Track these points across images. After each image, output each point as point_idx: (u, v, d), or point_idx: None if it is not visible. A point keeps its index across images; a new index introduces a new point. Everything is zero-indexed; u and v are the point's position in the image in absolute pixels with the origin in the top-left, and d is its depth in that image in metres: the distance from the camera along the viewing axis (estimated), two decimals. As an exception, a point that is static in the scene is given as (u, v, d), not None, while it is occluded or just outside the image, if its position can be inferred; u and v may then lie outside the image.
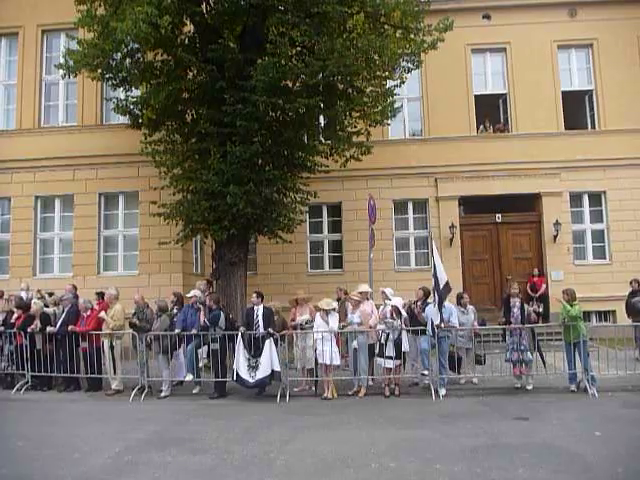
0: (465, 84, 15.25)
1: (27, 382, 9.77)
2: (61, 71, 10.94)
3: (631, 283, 11.08)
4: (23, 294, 10.78)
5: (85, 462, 5.71)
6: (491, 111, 15.70)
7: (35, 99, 14.44)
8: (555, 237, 14.59)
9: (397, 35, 11.04)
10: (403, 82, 11.80)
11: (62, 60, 10.95)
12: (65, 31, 13.47)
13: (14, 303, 10.45)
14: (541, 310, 13.43)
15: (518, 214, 15.16)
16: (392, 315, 8.75)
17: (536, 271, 14.40)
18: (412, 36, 11.20)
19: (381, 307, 9.12)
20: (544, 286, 14.23)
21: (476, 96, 15.37)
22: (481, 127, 15.60)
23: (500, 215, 15.09)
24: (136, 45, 10.41)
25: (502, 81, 15.57)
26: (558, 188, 14.78)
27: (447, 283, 8.92)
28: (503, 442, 6.13)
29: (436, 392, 8.48)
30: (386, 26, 10.99)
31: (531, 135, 14.90)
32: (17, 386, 9.74)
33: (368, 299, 9.37)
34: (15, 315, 10.13)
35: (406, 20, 10.92)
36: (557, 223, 14.43)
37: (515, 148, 14.89)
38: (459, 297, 9.73)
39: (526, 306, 9.33)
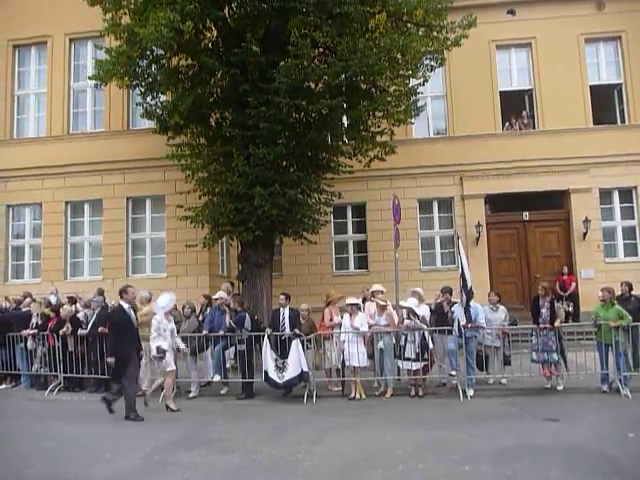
0: (490, 81, 15.06)
1: (60, 383, 9.99)
2: (91, 81, 11.16)
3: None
4: (52, 298, 11.02)
5: (116, 462, 5.81)
6: (517, 107, 15.46)
7: (64, 106, 14.79)
8: (585, 234, 14.29)
9: (420, 33, 10.96)
10: (426, 80, 11.71)
11: (93, 71, 11.18)
12: (92, 39, 13.81)
13: (43, 307, 10.71)
14: (571, 309, 13.20)
15: (546, 212, 14.90)
16: (409, 317, 8.69)
17: (565, 269, 14.13)
18: (435, 34, 11.11)
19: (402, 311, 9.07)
20: (574, 285, 13.97)
21: (501, 92, 15.17)
22: (507, 124, 15.38)
23: (527, 213, 14.85)
24: (161, 51, 10.55)
25: (528, 77, 15.34)
26: (587, 184, 14.48)
27: (471, 288, 8.82)
28: (533, 443, 6.02)
29: (464, 393, 8.40)
30: (409, 24, 10.92)
31: (559, 131, 14.63)
32: (50, 387, 9.97)
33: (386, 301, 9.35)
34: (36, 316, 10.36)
35: (429, 18, 10.84)
36: (587, 220, 14.14)
37: (542, 145, 14.63)
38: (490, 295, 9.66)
39: (557, 304, 9.17)
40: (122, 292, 8.02)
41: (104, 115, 14.66)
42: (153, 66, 10.98)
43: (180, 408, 8.20)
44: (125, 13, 10.69)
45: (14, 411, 8.92)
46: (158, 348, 8.07)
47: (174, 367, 8.32)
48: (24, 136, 15.20)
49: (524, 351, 9.22)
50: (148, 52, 10.52)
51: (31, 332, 10.30)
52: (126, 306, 7.96)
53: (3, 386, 10.72)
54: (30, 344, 10.34)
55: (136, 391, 7.98)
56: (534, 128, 15.18)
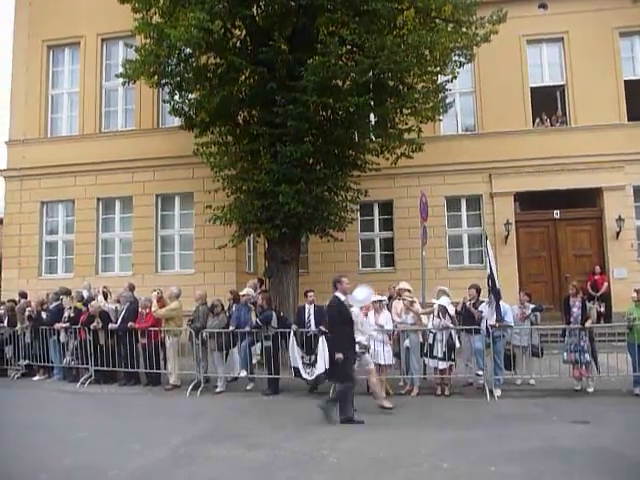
0: (520, 76, 14.81)
1: (91, 376, 10.24)
2: (121, 79, 11.37)
3: None
4: (85, 292, 11.29)
5: (145, 454, 5.94)
6: (548, 103, 15.17)
7: (96, 105, 15.09)
8: (618, 233, 13.96)
9: (448, 29, 10.79)
10: (455, 77, 11.55)
11: (121, 69, 11.38)
12: (123, 39, 14.05)
13: (76, 301, 10.99)
14: (603, 310, 12.90)
15: (578, 210, 14.59)
16: (439, 315, 8.63)
17: (597, 269, 13.82)
18: (464, 29, 10.95)
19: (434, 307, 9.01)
20: (606, 284, 13.65)
21: (532, 88, 14.91)
22: (537, 120, 15.11)
23: (558, 211, 14.58)
24: (189, 50, 10.68)
25: (560, 72, 15.03)
26: (621, 182, 14.12)
27: (499, 288, 8.71)
28: (560, 446, 5.93)
29: (491, 393, 8.30)
30: (437, 20, 10.78)
31: (591, 127, 14.30)
32: (81, 380, 10.23)
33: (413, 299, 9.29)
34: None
35: (458, 13, 10.70)
36: (620, 219, 13.79)
37: (574, 141, 14.33)
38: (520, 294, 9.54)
39: (589, 304, 8.99)
40: (336, 282, 7.46)
41: (134, 113, 14.91)
42: (182, 65, 11.11)
43: (394, 405, 7.67)
44: (155, 13, 10.84)
45: (47, 402, 9.19)
46: (359, 344, 7.50)
47: (373, 365, 7.86)
48: (58, 134, 15.56)
49: (554, 351, 9.06)
50: (177, 51, 10.65)
51: (63, 325, 10.58)
52: (342, 297, 7.35)
53: (37, 378, 11.04)
54: (62, 337, 10.63)
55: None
56: (566, 124, 14.87)
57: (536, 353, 8.95)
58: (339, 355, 6.96)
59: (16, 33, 15.78)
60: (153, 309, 9.87)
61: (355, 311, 7.53)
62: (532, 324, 9.17)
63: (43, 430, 7.15)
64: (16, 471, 5.46)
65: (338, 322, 7.24)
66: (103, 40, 15.19)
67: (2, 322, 11.45)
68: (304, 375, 8.69)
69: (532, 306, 9.34)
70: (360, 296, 7.59)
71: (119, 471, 5.35)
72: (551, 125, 15.12)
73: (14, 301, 11.97)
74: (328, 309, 7.58)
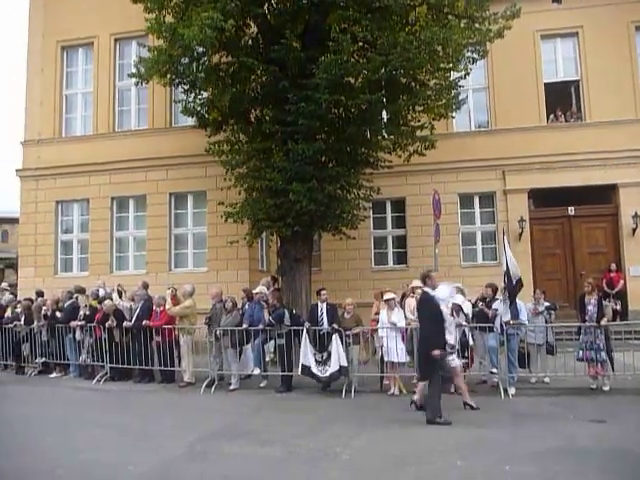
0: (534, 72, 14.67)
1: (106, 373, 10.35)
2: (134, 79, 11.45)
3: None
4: (101, 291, 11.41)
5: (160, 450, 5.99)
6: (563, 99, 15.02)
7: (109, 105, 15.22)
8: (634, 230, 13.80)
9: (461, 25, 10.74)
10: (468, 73, 11.50)
11: (134, 69, 11.46)
12: (136, 39, 14.15)
13: (91, 299, 11.12)
14: (619, 307, 12.75)
15: (593, 206, 14.43)
16: (452, 313, 8.59)
17: (613, 266, 13.66)
18: (477, 25, 10.87)
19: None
20: (622, 282, 13.49)
21: (546, 84, 14.76)
22: (552, 116, 14.97)
23: (573, 208, 14.42)
24: (202, 49, 10.72)
25: (574, 67, 14.86)
26: (636, 178, 13.93)
27: (519, 280, 8.64)
28: (575, 445, 5.88)
29: (505, 391, 8.25)
30: (450, 16, 10.72)
31: (607, 123, 14.12)
32: (97, 377, 10.35)
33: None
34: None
35: (470, 9, 10.63)
36: (636, 215, 13.64)
37: (589, 137, 14.16)
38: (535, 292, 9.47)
39: (605, 302, 8.90)
40: (425, 277, 7.28)
41: (148, 113, 15.01)
42: (194, 64, 11.16)
43: (479, 406, 7.49)
44: (168, 12, 10.90)
45: (64, 399, 9.31)
46: (447, 344, 7.22)
47: (458, 363, 7.59)
48: (72, 134, 15.72)
49: (568, 349, 8.98)
50: (190, 51, 10.69)
51: (79, 323, 10.70)
52: (432, 293, 7.17)
53: (53, 375, 11.18)
54: (78, 335, 10.75)
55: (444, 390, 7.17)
56: (581, 120, 14.71)
57: (550, 351, 8.87)
58: (436, 352, 6.75)
59: (31, 34, 15.97)
60: (167, 307, 9.95)
61: (445, 310, 7.28)
62: (546, 322, 9.09)
63: (60, 426, 7.24)
64: (34, 467, 5.53)
65: (428, 318, 7.05)
66: (116, 40, 15.31)
67: (19, 320, 11.61)
68: (316, 372, 8.69)
69: (546, 304, 9.27)
70: (442, 294, 7.40)
71: (135, 467, 5.40)
72: (565, 121, 14.97)
73: (30, 299, 12.15)
74: (418, 305, 7.41)
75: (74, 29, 15.26)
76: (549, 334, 8.97)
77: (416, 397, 7.44)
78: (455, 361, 7.46)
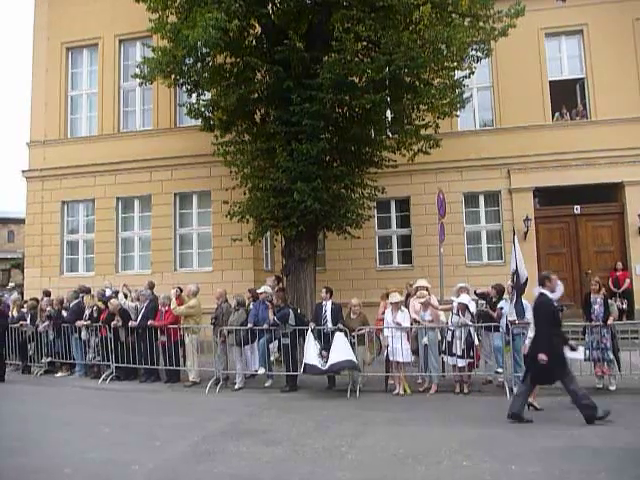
0: (539, 70, 14.61)
1: (112, 372, 10.39)
2: (138, 79, 11.48)
3: None
4: (107, 291, 11.45)
5: (166, 449, 6.01)
6: (568, 97, 14.96)
7: (114, 106, 15.26)
8: (640, 229, 13.73)
9: (465, 24, 10.71)
10: (472, 72, 11.47)
11: (137, 70, 11.49)
12: (140, 39, 14.20)
13: (96, 299, 11.17)
14: (625, 307, 12.71)
15: (598, 205, 14.36)
16: (458, 312, 8.59)
17: (619, 265, 13.58)
18: (481, 24, 10.85)
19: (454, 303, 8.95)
20: (628, 281, 13.42)
21: (551, 82, 14.71)
22: (557, 114, 14.92)
23: (579, 206, 14.36)
24: (206, 50, 10.73)
25: (579, 65, 14.80)
26: (643, 177, 13.86)
27: (527, 279, 8.61)
28: (583, 444, 5.85)
29: (511, 390, 8.22)
30: (454, 15, 10.69)
31: (612, 121, 14.04)
32: (103, 376, 10.39)
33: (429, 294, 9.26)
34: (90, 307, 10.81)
35: (475, 8, 10.60)
36: (642, 214, 13.56)
37: (595, 135, 14.08)
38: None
39: (611, 301, 8.85)
40: (544, 279, 7.08)
41: (152, 113, 15.04)
42: (198, 65, 11.17)
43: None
44: (171, 13, 10.92)
45: (71, 398, 9.35)
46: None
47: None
48: (77, 135, 15.77)
49: (574, 349, 8.94)
50: (194, 51, 10.70)
51: (85, 323, 10.75)
52: (550, 295, 6.98)
53: (59, 374, 11.24)
54: (84, 335, 10.81)
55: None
56: (586, 118, 14.65)
57: None
58: (542, 356, 6.57)
59: (35, 36, 16.03)
60: (172, 307, 9.97)
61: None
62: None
63: (67, 425, 7.27)
64: (41, 465, 5.56)
65: (544, 321, 6.84)
66: (121, 41, 15.35)
67: (25, 320, 11.67)
68: (317, 364, 8.63)
69: None
70: (556, 295, 7.25)
71: (140, 466, 5.42)
72: (571, 119, 14.91)
73: (36, 299, 12.22)
74: (535, 307, 7.13)
75: (79, 30, 15.32)
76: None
77: (531, 399, 7.25)
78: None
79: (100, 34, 15.27)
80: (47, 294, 12.42)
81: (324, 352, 8.70)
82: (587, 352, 8.51)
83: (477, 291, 9.57)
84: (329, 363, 8.54)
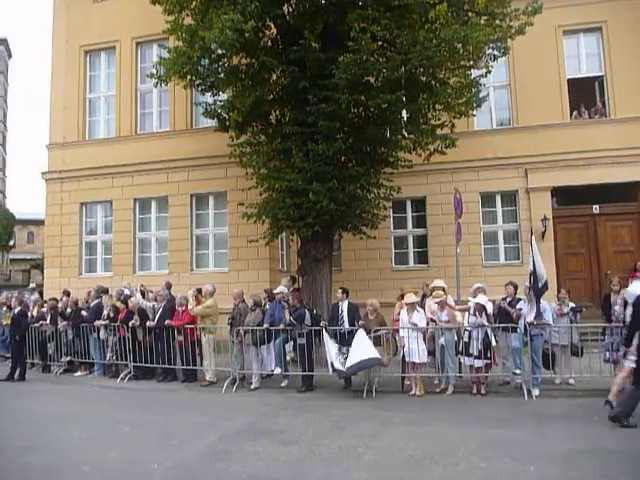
0: (557, 68, 14.43)
1: (130, 372, 10.49)
2: (154, 80, 11.59)
3: None
4: (127, 291, 11.57)
5: (183, 449, 6.05)
6: (586, 95, 14.77)
7: (131, 108, 15.42)
8: (661, 228, 13.50)
9: (482, 22, 10.62)
10: (489, 71, 11.37)
11: (153, 70, 11.60)
12: (157, 42, 14.32)
13: (115, 298, 11.30)
14: (646, 307, 12.48)
15: (618, 204, 14.13)
16: (475, 313, 8.52)
17: (639, 265, 13.37)
18: (498, 22, 10.74)
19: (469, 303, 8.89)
20: (648, 281, 13.19)
21: (569, 80, 14.53)
22: (575, 113, 14.74)
23: (598, 206, 14.16)
24: (222, 51, 10.79)
25: (598, 63, 14.60)
26: (664, 175, 13.63)
27: (546, 282, 8.52)
28: (602, 447, 5.78)
29: (529, 392, 8.15)
30: (470, 14, 10.63)
31: (632, 119, 13.81)
32: (121, 375, 10.50)
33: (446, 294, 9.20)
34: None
35: (491, 6, 10.52)
36: (663, 213, 13.34)
37: (614, 133, 13.88)
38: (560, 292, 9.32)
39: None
40: None
41: (169, 115, 15.18)
42: (214, 66, 11.23)
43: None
44: (187, 15, 11.00)
45: (89, 397, 9.46)
46: None
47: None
48: (95, 137, 15.96)
49: (594, 350, 8.84)
50: (210, 52, 10.77)
51: (103, 323, 10.88)
52: None
53: (78, 373, 11.38)
54: (102, 334, 10.93)
55: None
56: (606, 117, 14.45)
57: (576, 352, 8.71)
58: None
59: (54, 40, 16.28)
60: (190, 307, 10.04)
61: None
62: (571, 322, 8.95)
63: (86, 424, 7.36)
64: (60, 464, 5.64)
65: None
66: (138, 44, 15.51)
67: (45, 320, 11.83)
68: (337, 366, 8.64)
69: (571, 305, 9.10)
70: (635, 290, 7.07)
71: (158, 465, 5.47)
72: (589, 117, 14.72)
73: (55, 299, 12.38)
74: (635, 306, 6.85)
75: (97, 34, 15.54)
76: (574, 335, 8.81)
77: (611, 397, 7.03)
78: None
79: (117, 37, 15.45)
80: (67, 294, 12.60)
81: (344, 349, 8.67)
82: (607, 353, 8.41)
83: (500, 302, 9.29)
84: (356, 361, 8.43)
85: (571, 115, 14.64)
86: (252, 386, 9.46)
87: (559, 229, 14.31)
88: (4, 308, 13.88)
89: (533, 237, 9.31)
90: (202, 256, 14.68)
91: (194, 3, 10.73)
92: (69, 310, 11.64)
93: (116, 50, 15.64)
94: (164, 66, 11.07)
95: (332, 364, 8.73)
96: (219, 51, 10.83)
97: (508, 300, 8.92)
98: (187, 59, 10.79)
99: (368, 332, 8.73)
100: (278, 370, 9.41)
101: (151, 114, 15.56)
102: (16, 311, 11.65)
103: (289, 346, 9.58)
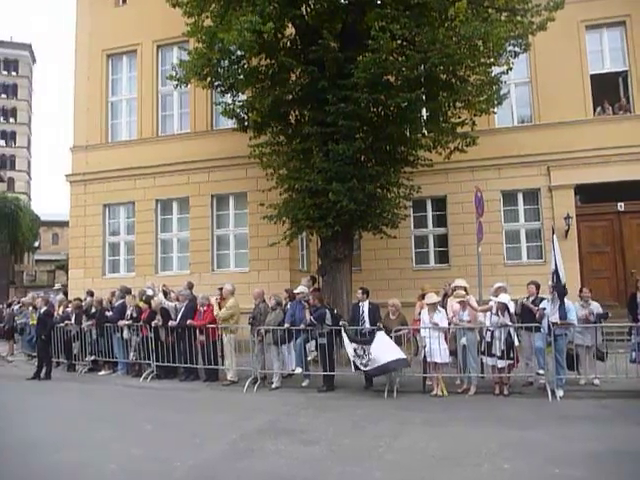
0: (579, 64, 14.21)
1: (152, 371, 10.61)
2: (174, 82, 11.70)
3: None
4: (149, 291, 11.71)
5: (205, 447, 6.11)
6: (610, 91, 14.51)
7: (153, 110, 15.62)
8: (689, 226, 13.19)
9: (502, 18, 10.51)
10: (510, 68, 11.22)
11: (173, 72, 11.72)
12: (177, 44, 14.46)
13: (137, 299, 11.45)
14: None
15: (644, 202, 13.87)
16: (497, 312, 8.43)
17: (666, 263, 13.10)
18: (519, 18, 10.62)
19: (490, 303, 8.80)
20: (675, 280, 12.90)
21: (592, 76, 14.29)
22: (598, 109, 14.48)
23: (622, 204, 13.90)
24: (241, 52, 10.85)
25: (622, 58, 14.33)
26: (690, 172, 13.31)
27: (564, 285, 8.39)
28: (628, 449, 5.66)
29: (552, 393, 8.03)
30: (490, 10, 10.50)
31: (658, 114, 13.56)
32: (144, 375, 10.63)
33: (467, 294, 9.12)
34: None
35: (512, 2, 10.41)
36: (690, 210, 13.03)
37: (639, 129, 13.62)
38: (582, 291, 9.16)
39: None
40: None
41: (189, 117, 15.33)
42: (233, 67, 11.30)
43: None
44: (207, 17, 11.09)
45: (113, 396, 9.60)
46: None
47: None
48: (117, 140, 16.19)
49: (619, 351, 8.66)
50: (229, 54, 10.84)
51: (126, 323, 11.03)
52: None
53: (102, 372, 11.56)
54: (126, 334, 11.08)
55: None
56: (630, 112, 14.17)
57: (601, 357, 8.55)
58: None
59: (77, 44, 16.58)
60: (215, 313, 10.11)
61: None
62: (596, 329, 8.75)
63: (111, 422, 7.47)
64: (88, 460, 5.73)
65: None
66: (158, 47, 15.71)
67: (70, 319, 12.04)
68: (359, 366, 8.63)
69: (598, 310, 8.90)
70: None
71: (181, 463, 5.52)
72: (613, 113, 14.45)
73: (80, 299, 12.59)
74: None
75: (118, 38, 15.77)
76: (598, 337, 8.64)
77: None
78: None
79: (139, 40, 15.66)
80: (91, 294, 12.80)
81: (360, 351, 8.67)
82: (633, 354, 8.26)
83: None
84: (382, 362, 8.43)
85: (594, 111, 14.39)
86: (273, 385, 9.50)
87: (583, 227, 14.09)
88: (30, 308, 14.16)
89: (555, 236, 9.18)
90: (223, 256, 14.79)
91: (213, 5, 10.82)
92: (94, 309, 11.83)
93: (137, 53, 15.86)
94: (183, 68, 11.19)
95: (354, 363, 8.73)
96: (238, 52, 10.90)
97: (531, 300, 8.81)
98: (207, 61, 10.88)
99: (389, 332, 8.71)
100: (299, 370, 9.43)
101: (172, 116, 15.74)
102: (42, 311, 11.86)
103: (311, 345, 9.59)
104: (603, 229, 14.16)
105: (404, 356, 8.48)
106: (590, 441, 5.92)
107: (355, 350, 8.72)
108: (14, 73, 63.62)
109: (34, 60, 67.26)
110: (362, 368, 8.61)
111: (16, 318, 15.41)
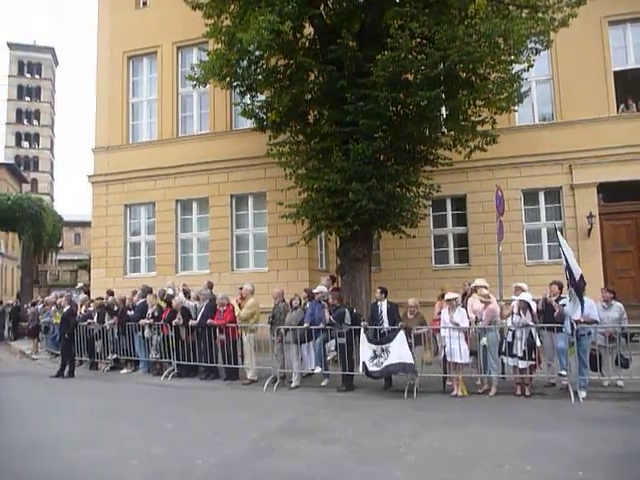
0: (602, 60, 13.97)
1: (173, 370, 10.72)
2: (193, 82, 11.79)
3: None
4: (170, 291, 11.83)
5: (226, 446, 6.15)
6: (634, 88, 14.24)
7: (173, 111, 15.75)
8: None
9: (523, 15, 10.37)
10: (531, 65, 11.07)
11: (191, 72, 11.80)
12: (197, 45, 14.56)
13: (158, 298, 11.57)
14: (699, 307, 11.95)
15: (669, 200, 13.60)
16: (519, 312, 8.33)
17: (692, 263, 12.83)
18: (540, 15, 10.47)
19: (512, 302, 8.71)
20: (702, 280, 12.65)
21: (615, 72, 14.04)
22: (622, 106, 14.22)
23: (647, 202, 13.65)
24: (259, 52, 10.89)
25: (647, 54, 14.06)
26: None
27: (582, 276, 8.26)
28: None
29: (575, 394, 7.91)
30: (511, 7, 10.39)
31: (683, 111, 13.28)
32: (165, 373, 10.74)
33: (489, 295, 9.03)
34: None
35: (533, -2, 10.28)
36: None
37: (664, 127, 13.36)
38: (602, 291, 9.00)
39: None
40: None
41: (209, 117, 15.43)
42: (252, 67, 11.34)
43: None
44: (226, 18, 11.15)
45: (135, 394, 9.73)
46: None
47: None
48: (138, 141, 16.37)
49: (644, 351, 8.53)
50: (247, 54, 10.88)
51: (148, 322, 11.15)
52: None
53: (124, 371, 11.71)
54: (147, 333, 11.20)
55: None
56: (655, 109, 13.90)
57: (625, 364, 8.35)
58: None
59: (99, 47, 16.80)
60: (237, 313, 10.17)
61: None
62: (626, 335, 8.57)
63: (133, 420, 7.58)
64: (111, 457, 5.82)
65: None
66: (178, 48, 15.83)
67: (92, 318, 12.22)
68: (372, 368, 8.63)
69: (618, 304, 8.73)
70: None
71: (202, 461, 5.57)
72: (637, 110, 14.18)
73: (102, 298, 12.76)
74: None
75: (139, 39, 15.94)
76: (622, 345, 8.47)
77: None
78: None
79: (159, 42, 15.81)
80: (111, 293, 12.97)
81: (379, 351, 8.64)
82: (658, 355, 8.09)
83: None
84: (383, 365, 8.49)
85: (618, 108, 14.14)
86: (292, 385, 9.53)
87: (606, 226, 13.86)
88: (54, 307, 14.42)
89: (559, 232, 9.03)
90: (242, 256, 14.86)
91: (233, 6, 10.88)
92: (116, 308, 12.00)
93: (158, 55, 16.01)
94: (202, 69, 11.27)
95: (364, 364, 8.72)
96: (257, 52, 10.93)
97: (554, 299, 8.69)
98: (226, 61, 10.95)
99: (409, 331, 8.68)
100: (318, 369, 9.44)
101: (192, 117, 15.86)
102: (65, 310, 12.07)
103: (331, 345, 9.59)
104: (627, 228, 13.92)
105: (412, 362, 8.45)
106: (614, 443, 5.83)
107: (374, 351, 8.70)
108: (37, 76, 64.87)
109: (57, 63, 68.42)
110: (376, 369, 8.58)
111: (40, 317, 15.72)
